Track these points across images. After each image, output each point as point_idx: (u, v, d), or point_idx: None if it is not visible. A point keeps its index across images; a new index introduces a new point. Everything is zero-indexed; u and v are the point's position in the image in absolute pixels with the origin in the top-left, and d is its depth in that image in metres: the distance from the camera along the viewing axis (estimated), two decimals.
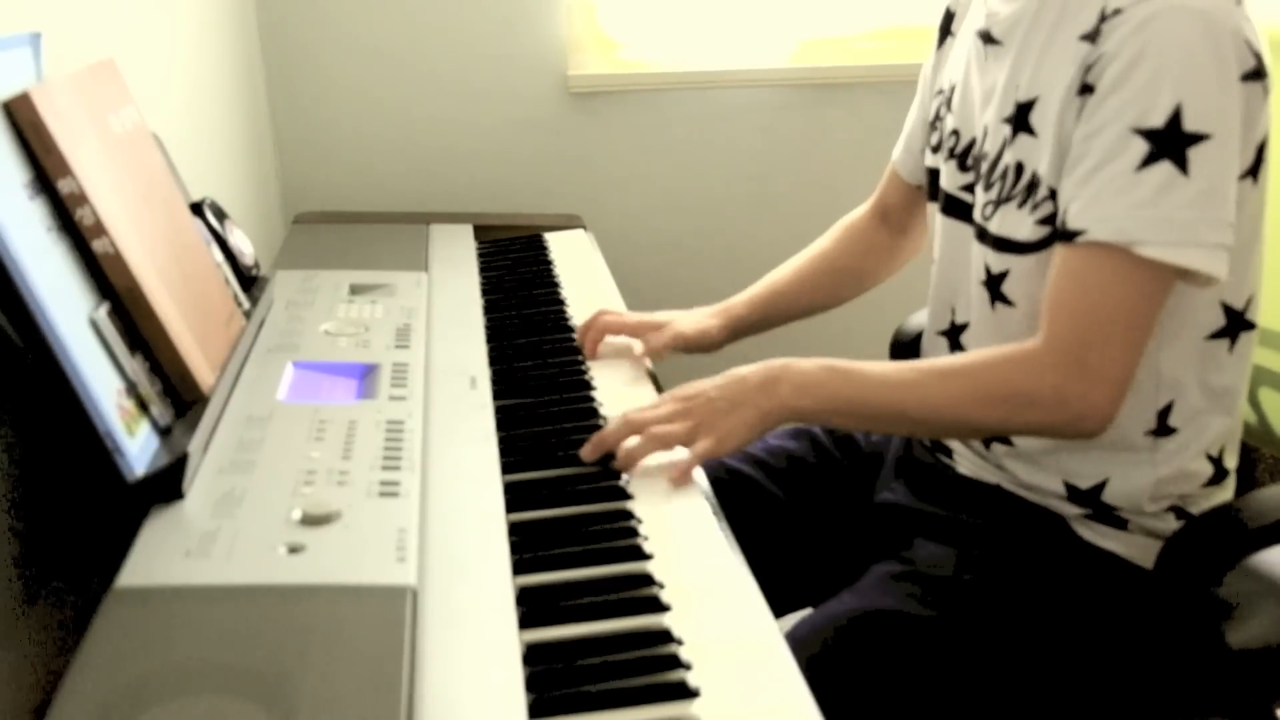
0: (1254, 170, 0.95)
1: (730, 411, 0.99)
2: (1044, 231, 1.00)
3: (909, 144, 1.30)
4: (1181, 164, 0.90)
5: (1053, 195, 0.99)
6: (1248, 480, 1.18)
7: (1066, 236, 0.95)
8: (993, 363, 0.98)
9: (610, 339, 1.26)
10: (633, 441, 0.99)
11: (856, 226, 1.38)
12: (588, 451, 0.98)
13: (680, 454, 0.98)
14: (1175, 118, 0.90)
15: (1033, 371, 0.95)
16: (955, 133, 1.14)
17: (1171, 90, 0.90)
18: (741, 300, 1.33)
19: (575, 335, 1.27)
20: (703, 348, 1.29)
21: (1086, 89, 0.95)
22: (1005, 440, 1.09)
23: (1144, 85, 0.91)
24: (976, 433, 1.09)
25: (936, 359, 1.03)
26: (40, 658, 0.72)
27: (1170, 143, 0.90)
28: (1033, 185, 1.01)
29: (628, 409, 1.03)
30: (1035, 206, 1.01)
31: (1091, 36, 0.95)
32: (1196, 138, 0.90)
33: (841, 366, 1.01)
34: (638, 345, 1.25)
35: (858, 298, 1.38)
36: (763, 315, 1.33)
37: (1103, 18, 0.94)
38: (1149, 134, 0.91)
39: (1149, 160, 0.91)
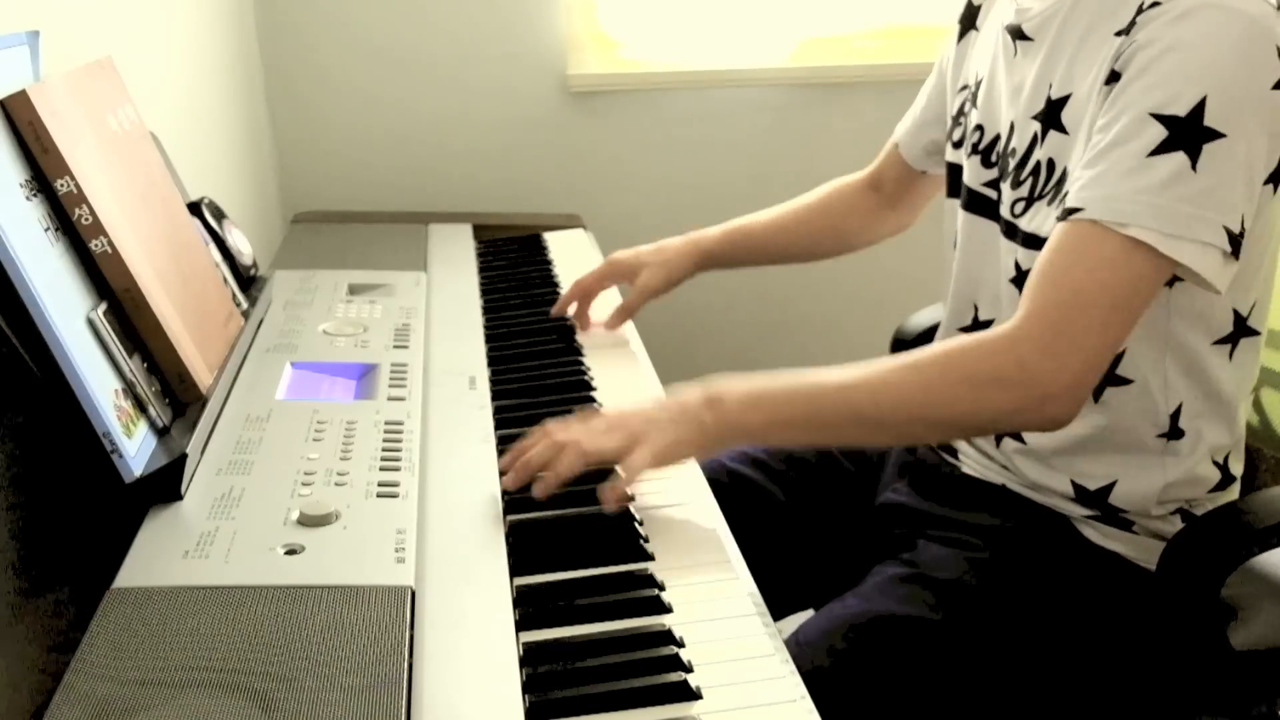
0: (1276, 177, 0.94)
1: (670, 426, 0.92)
2: None
3: (915, 128, 1.29)
4: (1194, 157, 0.88)
5: None
6: (1249, 481, 1.17)
7: (1065, 214, 0.93)
8: (962, 347, 0.93)
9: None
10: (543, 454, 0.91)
11: (845, 187, 1.39)
12: (509, 481, 0.91)
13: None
14: (1198, 109, 0.88)
15: (1001, 348, 0.91)
16: (979, 128, 1.12)
17: (1199, 82, 0.88)
18: (713, 235, 1.35)
19: (565, 318, 1.30)
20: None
21: (1114, 77, 0.93)
22: (1018, 437, 1.08)
23: (1171, 73, 0.89)
24: (942, 430, 1.01)
25: (909, 352, 0.95)
26: (39, 658, 0.71)
27: (1188, 134, 0.88)
28: (1063, 182, 0.99)
29: (548, 422, 0.95)
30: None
31: (1127, 30, 0.93)
32: (1214, 134, 0.88)
33: (789, 373, 0.95)
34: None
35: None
36: (732, 252, 1.34)
37: (1139, 10, 0.92)
38: (1168, 120, 0.89)
39: (1162, 147, 0.89)
